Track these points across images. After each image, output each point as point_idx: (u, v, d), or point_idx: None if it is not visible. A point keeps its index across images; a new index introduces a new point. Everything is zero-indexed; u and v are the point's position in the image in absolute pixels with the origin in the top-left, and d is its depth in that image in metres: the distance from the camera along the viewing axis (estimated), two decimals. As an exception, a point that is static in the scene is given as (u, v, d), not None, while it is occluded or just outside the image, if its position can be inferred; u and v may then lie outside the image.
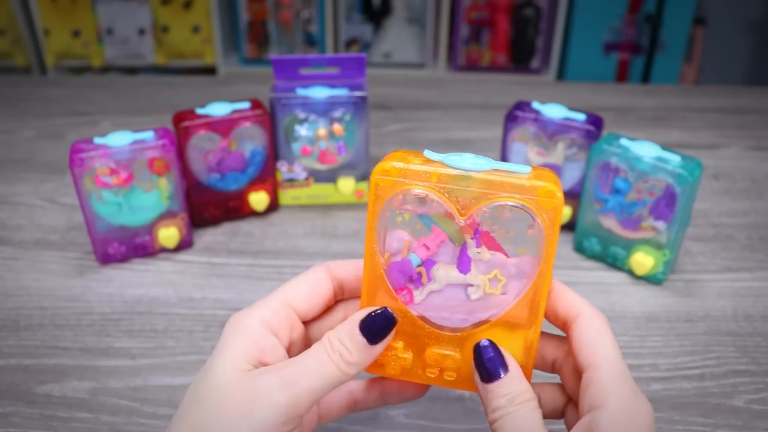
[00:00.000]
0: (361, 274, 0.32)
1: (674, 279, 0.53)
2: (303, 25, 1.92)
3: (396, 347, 0.31)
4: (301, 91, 0.59)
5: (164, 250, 0.56)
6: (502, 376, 0.28)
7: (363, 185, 0.64)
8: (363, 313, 0.30)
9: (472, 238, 0.30)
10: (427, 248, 0.31)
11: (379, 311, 0.30)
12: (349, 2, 1.90)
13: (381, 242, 0.30)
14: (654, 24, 1.80)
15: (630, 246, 0.53)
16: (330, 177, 0.63)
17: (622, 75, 1.92)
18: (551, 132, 0.57)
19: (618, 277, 0.53)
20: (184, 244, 0.57)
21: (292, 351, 0.32)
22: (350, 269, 0.33)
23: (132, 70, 1.99)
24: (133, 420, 0.40)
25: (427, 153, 0.30)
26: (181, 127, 0.56)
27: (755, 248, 0.58)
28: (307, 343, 0.33)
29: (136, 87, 0.99)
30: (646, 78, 1.86)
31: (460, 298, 0.31)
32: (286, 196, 0.63)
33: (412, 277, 0.31)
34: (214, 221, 0.61)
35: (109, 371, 0.44)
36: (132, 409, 0.41)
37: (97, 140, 0.52)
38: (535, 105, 0.58)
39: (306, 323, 0.33)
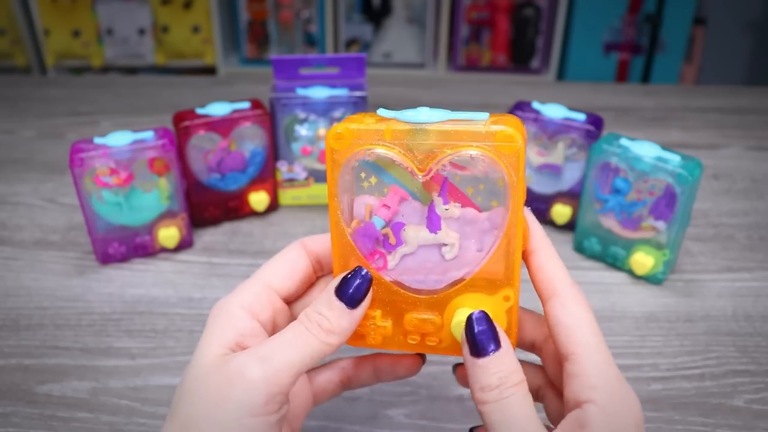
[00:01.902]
0: None
1: (674, 279, 0.53)
2: (303, 25, 1.92)
3: (374, 316, 0.30)
4: (301, 91, 0.59)
5: (164, 250, 0.56)
6: (493, 351, 0.27)
7: (363, 185, 0.64)
8: (337, 280, 0.29)
9: (438, 195, 0.29)
10: (387, 207, 0.29)
11: (353, 272, 0.29)
12: (349, 2, 1.90)
13: (347, 209, 0.30)
14: (654, 24, 1.80)
15: (630, 246, 0.53)
16: (330, 177, 0.63)
17: (622, 75, 1.92)
18: (551, 132, 0.57)
19: (618, 277, 0.53)
20: (184, 244, 0.57)
21: (276, 332, 0.31)
22: (325, 243, 0.32)
23: (132, 70, 1.99)
24: (133, 420, 0.40)
25: (381, 111, 0.29)
26: (181, 127, 0.56)
27: (755, 248, 0.58)
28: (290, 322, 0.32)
29: (136, 87, 0.99)
30: (646, 78, 1.86)
31: (435, 260, 0.30)
32: (286, 196, 0.63)
33: (378, 240, 0.30)
34: (214, 221, 0.61)
35: (109, 371, 0.44)
36: (132, 409, 0.41)
37: (97, 140, 0.52)
38: (535, 105, 0.58)
39: (289, 303, 0.32)
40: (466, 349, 0.28)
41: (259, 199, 0.61)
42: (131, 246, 0.55)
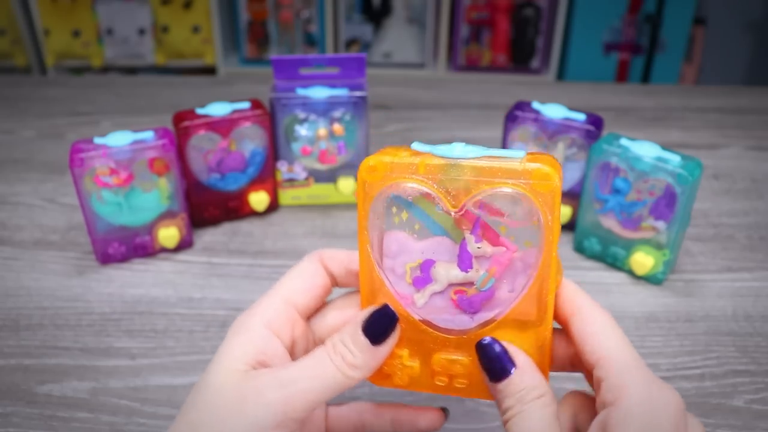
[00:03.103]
0: (354, 266, 0.31)
1: (674, 279, 0.53)
2: (303, 25, 1.92)
3: (401, 355, 0.30)
4: (301, 91, 0.59)
5: (164, 250, 0.56)
6: (510, 371, 0.27)
7: (363, 185, 0.64)
8: (365, 314, 0.29)
9: (471, 233, 0.28)
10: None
11: (380, 309, 0.29)
12: (349, 2, 1.90)
13: (378, 243, 0.29)
14: (654, 24, 1.80)
15: (630, 246, 0.53)
16: (330, 177, 0.63)
17: (622, 75, 1.92)
18: (551, 132, 0.57)
19: (618, 277, 0.53)
20: (184, 244, 0.57)
21: (295, 349, 0.31)
22: (343, 260, 0.32)
23: (132, 70, 1.99)
24: (133, 420, 0.40)
25: (415, 145, 0.28)
26: (181, 127, 0.56)
27: (755, 248, 0.58)
28: (308, 338, 0.32)
29: (136, 87, 0.99)
30: (646, 78, 1.86)
31: (463, 298, 0.29)
32: (286, 196, 0.63)
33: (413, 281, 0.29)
34: (214, 221, 0.61)
35: (109, 371, 0.44)
36: (132, 409, 0.41)
37: (97, 140, 0.52)
38: (535, 105, 0.58)
39: (307, 318, 0.32)
40: (485, 376, 0.28)
41: (259, 199, 0.61)
42: (131, 246, 0.55)
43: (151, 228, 0.55)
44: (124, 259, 0.55)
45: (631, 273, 0.53)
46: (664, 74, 1.87)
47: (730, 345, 0.46)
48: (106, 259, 0.54)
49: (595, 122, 0.56)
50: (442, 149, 0.27)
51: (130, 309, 0.50)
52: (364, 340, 0.28)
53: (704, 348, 0.46)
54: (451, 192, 0.27)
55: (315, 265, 0.32)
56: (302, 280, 0.31)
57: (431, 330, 0.29)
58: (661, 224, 0.50)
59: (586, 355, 0.27)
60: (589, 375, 0.28)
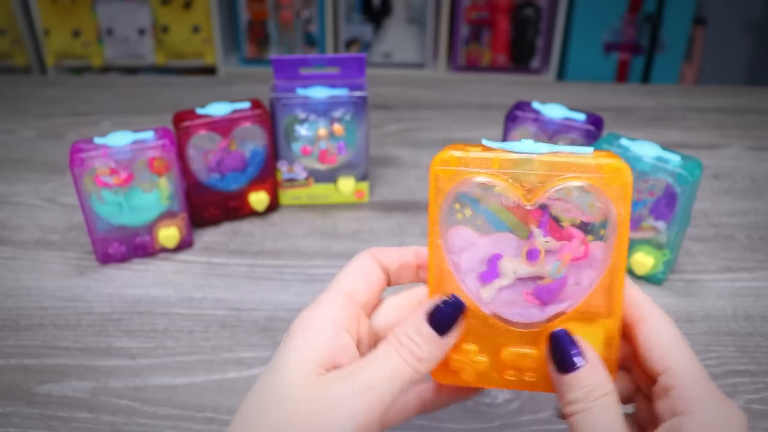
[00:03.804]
0: (405, 262, 0.31)
1: (674, 279, 0.53)
2: (303, 25, 1.92)
3: (470, 350, 0.29)
4: (301, 91, 0.59)
5: (164, 250, 0.56)
6: (579, 366, 0.26)
7: (363, 185, 0.64)
8: (429, 304, 0.28)
9: (538, 227, 0.28)
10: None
11: (446, 300, 0.28)
12: (349, 2, 1.90)
13: (444, 239, 0.29)
14: (654, 24, 1.80)
15: (630, 246, 0.53)
16: (330, 177, 0.63)
17: (622, 75, 1.92)
18: (551, 132, 0.57)
19: (618, 277, 0.53)
20: (184, 244, 0.57)
21: (360, 347, 0.30)
22: (394, 258, 0.31)
23: (132, 70, 1.99)
24: (133, 420, 0.40)
25: (485, 141, 0.28)
26: (181, 127, 0.56)
27: (755, 248, 0.58)
28: (371, 335, 0.31)
29: (136, 87, 0.99)
30: (646, 78, 1.86)
31: (533, 290, 0.29)
32: (286, 196, 0.63)
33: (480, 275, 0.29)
34: (214, 221, 0.61)
35: (109, 371, 0.44)
36: (132, 409, 0.41)
37: (97, 140, 0.52)
38: (535, 105, 0.58)
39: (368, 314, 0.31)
40: (551, 367, 0.27)
41: (259, 199, 0.61)
42: (131, 246, 0.55)
43: (151, 228, 0.55)
44: (124, 259, 0.55)
45: (631, 273, 0.53)
46: (664, 74, 1.87)
47: (730, 345, 0.46)
48: (106, 259, 0.54)
49: (595, 122, 0.56)
50: (513, 145, 0.27)
51: (130, 309, 0.50)
52: (429, 330, 0.27)
53: (704, 348, 0.46)
54: (525, 186, 0.27)
55: (371, 263, 0.31)
56: (361, 276, 0.30)
57: (501, 324, 0.29)
58: (661, 224, 0.50)
59: (654, 361, 0.27)
60: (646, 379, 0.29)
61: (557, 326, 0.28)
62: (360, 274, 0.31)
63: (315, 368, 0.26)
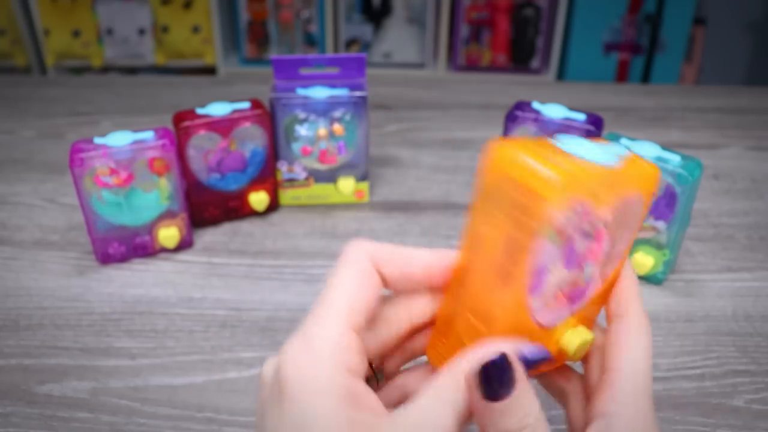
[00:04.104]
0: (412, 267, 0.27)
1: (674, 279, 0.53)
2: (303, 25, 1.92)
3: None
4: (301, 91, 0.59)
5: (164, 250, 0.56)
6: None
7: (363, 185, 0.64)
8: (470, 362, 0.24)
9: (575, 233, 0.26)
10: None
11: (493, 361, 0.23)
12: (349, 2, 1.90)
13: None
14: (654, 24, 1.80)
15: (630, 246, 0.53)
16: (330, 177, 0.63)
17: (622, 75, 1.92)
18: (551, 132, 0.57)
19: (618, 277, 0.53)
20: (184, 244, 0.57)
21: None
22: (396, 260, 0.27)
23: (132, 70, 1.99)
24: (133, 420, 0.40)
25: (557, 142, 0.25)
26: (181, 127, 0.56)
27: (755, 248, 0.58)
28: (368, 357, 0.27)
29: (136, 87, 0.99)
30: (646, 78, 1.86)
31: (567, 293, 0.28)
32: (286, 196, 0.63)
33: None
34: (214, 221, 0.61)
35: (109, 371, 0.44)
36: (132, 409, 0.41)
37: (97, 140, 0.52)
38: (535, 105, 0.58)
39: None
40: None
41: (259, 199, 0.61)
42: (131, 246, 0.55)
43: (151, 228, 0.55)
44: (124, 259, 0.55)
45: (631, 273, 0.53)
46: (664, 74, 1.88)
47: (730, 345, 0.46)
48: (106, 259, 0.54)
49: (595, 122, 0.56)
50: (579, 150, 0.25)
51: (130, 309, 0.50)
52: (479, 395, 0.23)
53: (704, 348, 0.46)
54: (600, 198, 0.25)
55: (365, 265, 0.26)
56: (357, 288, 0.25)
57: (538, 329, 0.27)
58: (661, 224, 0.50)
59: (610, 359, 0.27)
60: (587, 366, 0.29)
61: (573, 320, 0.28)
62: (358, 286, 0.25)
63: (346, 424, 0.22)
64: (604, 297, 0.28)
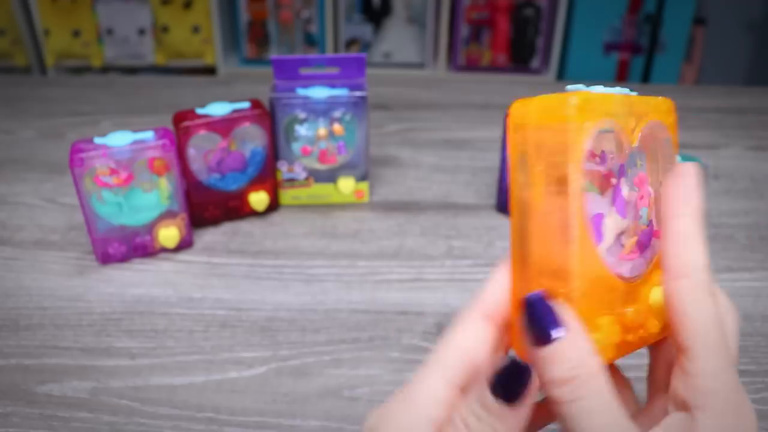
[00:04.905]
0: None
1: (674, 279, 0.53)
2: (303, 25, 1.92)
3: (604, 325, 0.24)
4: (301, 91, 0.59)
5: (164, 250, 0.56)
6: (558, 337, 0.22)
7: (363, 185, 0.64)
8: (490, 371, 0.23)
9: (619, 178, 0.25)
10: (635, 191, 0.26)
11: (506, 365, 0.23)
12: (349, 2, 1.90)
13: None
14: (654, 24, 1.80)
15: (630, 246, 0.52)
16: (330, 177, 0.63)
17: (622, 75, 1.92)
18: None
19: (618, 277, 0.53)
20: (184, 244, 0.57)
21: None
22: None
23: (132, 70, 1.99)
24: (133, 420, 0.40)
25: (574, 87, 0.26)
26: (181, 127, 0.56)
27: (755, 248, 0.58)
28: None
29: (136, 87, 0.99)
30: (646, 78, 1.86)
31: (635, 242, 0.26)
32: (286, 196, 0.63)
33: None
34: (214, 221, 0.61)
35: (109, 371, 0.44)
36: (132, 409, 0.41)
37: (97, 140, 0.52)
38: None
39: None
40: (527, 338, 0.23)
41: (259, 199, 0.61)
42: (131, 246, 0.55)
43: (151, 228, 0.55)
44: (124, 259, 0.55)
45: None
46: (664, 74, 1.87)
47: (730, 345, 0.46)
48: (106, 259, 0.54)
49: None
50: (599, 88, 0.26)
51: (130, 309, 0.50)
52: (495, 405, 0.23)
53: (704, 348, 0.46)
54: (627, 128, 0.25)
55: (479, 327, 0.25)
56: (469, 348, 0.25)
57: (621, 284, 0.25)
58: (661, 224, 0.50)
59: (678, 334, 0.23)
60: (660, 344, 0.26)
61: (655, 271, 0.26)
62: (468, 346, 0.25)
63: None
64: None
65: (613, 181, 0.26)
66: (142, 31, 1.91)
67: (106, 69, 1.97)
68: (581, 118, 0.23)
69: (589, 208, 0.24)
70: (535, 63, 1.91)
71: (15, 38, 1.93)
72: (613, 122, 0.24)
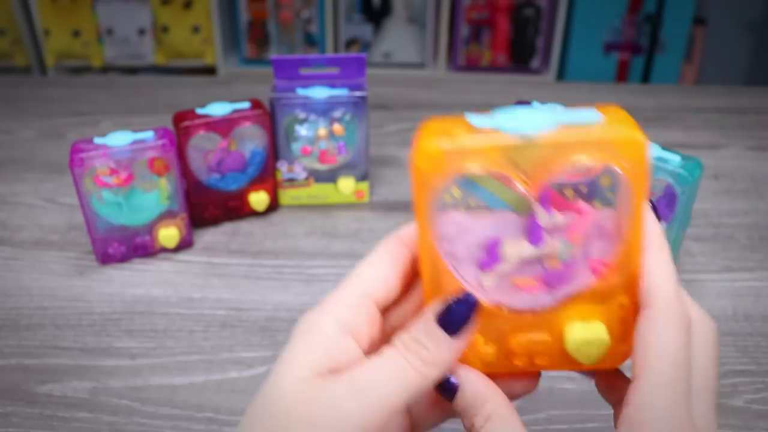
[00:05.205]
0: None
1: (674, 279, 0.53)
2: (303, 25, 1.92)
3: (475, 341, 0.27)
4: (301, 91, 0.59)
5: (164, 250, 0.56)
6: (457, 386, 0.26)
7: (363, 185, 0.64)
8: (439, 304, 0.26)
9: (539, 201, 0.25)
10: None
11: (456, 297, 0.25)
12: (349, 2, 1.90)
13: (433, 227, 0.26)
14: (654, 24, 1.80)
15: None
16: (330, 177, 0.63)
17: (622, 75, 1.92)
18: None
19: (618, 277, 0.53)
20: (184, 244, 0.57)
21: (373, 351, 0.27)
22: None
23: (132, 70, 1.99)
24: (133, 420, 0.40)
25: (472, 119, 0.24)
26: (181, 127, 0.56)
27: (755, 248, 0.58)
28: (388, 336, 0.28)
29: (136, 87, 0.99)
30: (646, 78, 1.86)
31: (540, 274, 0.26)
32: (286, 196, 0.63)
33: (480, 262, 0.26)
34: (214, 221, 0.61)
35: (109, 371, 0.44)
36: (132, 409, 0.41)
37: (97, 140, 0.52)
38: (535, 105, 0.58)
39: (386, 311, 0.28)
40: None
41: (259, 199, 0.61)
42: (131, 246, 0.55)
43: (151, 228, 0.55)
44: (124, 259, 0.55)
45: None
46: (664, 74, 1.87)
47: (730, 345, 0.46)
48: (106, 259, 0.54)
49: (595, 122, 0.56)
50: (506, 122, 0.24)
51: (130, 309, 0.50)
52: (440, 332, 0.25)
53: (704, 348, 0.46)
54: (528, 172, 0.24)
55: (396, 248, 0.28)
56: (381, 267, 0.27)
57: (506, 312, 0.26)
58: (661, 224, 0.50)
59: (633, 360, 0.24)
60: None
61: (568, 309, 0.26)
62: (382, 265, 0.28)
63: (309, 373, 0.25)
64: (629, 289, 0.25)
65: (532, 203, 0.25)
66: (142, 31, 1.91)
67: (106, 69, 1.97)
68: (432, 168, 0.24)
69: (486, 230, 0.26)
70: (535, 63, 1.91)
71: (15, 38, 1.93)
72: (487, 173, 0.24)
